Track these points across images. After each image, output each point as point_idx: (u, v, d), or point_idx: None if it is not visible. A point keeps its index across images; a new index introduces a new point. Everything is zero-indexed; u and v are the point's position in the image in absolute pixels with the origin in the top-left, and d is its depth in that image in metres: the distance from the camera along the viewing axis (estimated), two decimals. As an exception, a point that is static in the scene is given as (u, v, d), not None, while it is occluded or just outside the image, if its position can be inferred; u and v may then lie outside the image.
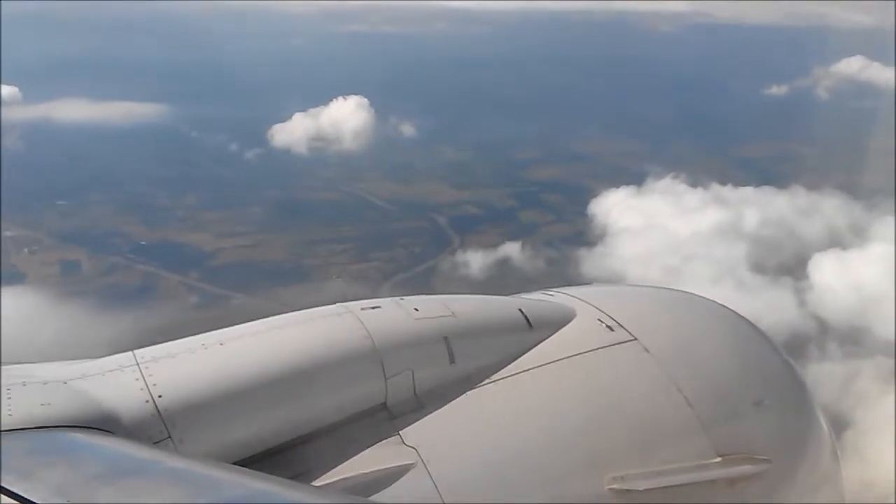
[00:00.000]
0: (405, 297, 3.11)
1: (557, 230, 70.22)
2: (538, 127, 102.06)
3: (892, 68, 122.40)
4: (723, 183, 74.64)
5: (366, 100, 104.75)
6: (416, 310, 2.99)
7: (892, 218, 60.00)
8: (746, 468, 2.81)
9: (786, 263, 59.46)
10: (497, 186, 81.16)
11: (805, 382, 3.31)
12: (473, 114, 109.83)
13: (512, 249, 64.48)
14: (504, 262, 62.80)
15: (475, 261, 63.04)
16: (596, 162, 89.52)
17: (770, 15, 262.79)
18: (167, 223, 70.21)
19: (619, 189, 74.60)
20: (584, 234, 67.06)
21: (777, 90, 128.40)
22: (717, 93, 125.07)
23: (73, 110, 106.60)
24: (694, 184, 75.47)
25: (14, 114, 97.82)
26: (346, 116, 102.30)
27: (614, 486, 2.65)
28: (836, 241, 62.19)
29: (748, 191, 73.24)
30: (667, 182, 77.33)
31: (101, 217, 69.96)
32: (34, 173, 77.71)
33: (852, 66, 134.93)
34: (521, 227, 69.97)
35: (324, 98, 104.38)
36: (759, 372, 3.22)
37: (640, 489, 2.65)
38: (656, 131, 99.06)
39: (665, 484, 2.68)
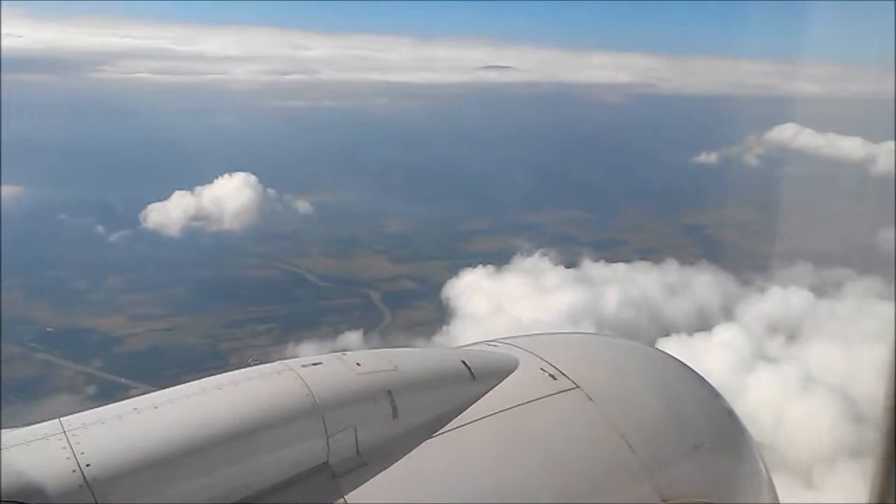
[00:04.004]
0: (347, 352, 3.04)
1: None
2: (483, 198, 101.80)
3: (824, 135, 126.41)
4: (596, 259, 73.09)
5: (253, 177, 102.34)
6: (359, 364, 2.93)
7: (760, 296, 59.99)
8: None
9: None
10: (437, 259, 78.81)
11: (744, 425, 3.32)
12: (405, 186, 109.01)
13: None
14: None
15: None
16: (543, 231, 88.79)
17: (712, 85, 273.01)
18: (80, 307, 66.22)
19: (476, 269, 72.02)
20: (434, 320, 63.72)
21: (706, 158, 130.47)
22: (646, 162, 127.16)
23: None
24: (566, 261, 73.27)
25: None
26: (230, 194, 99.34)
27: None
28: (700, 320, 59.29)
29: (620, 267, 71.09)
30: (533, 260, 75.41)
31: (11, 303, 65.13)
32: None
33: (785, 133, 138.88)
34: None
35: (217, 176, 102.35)
36: (698, 416, 3.27)
37: None
38: (596, 201, 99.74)
39: None
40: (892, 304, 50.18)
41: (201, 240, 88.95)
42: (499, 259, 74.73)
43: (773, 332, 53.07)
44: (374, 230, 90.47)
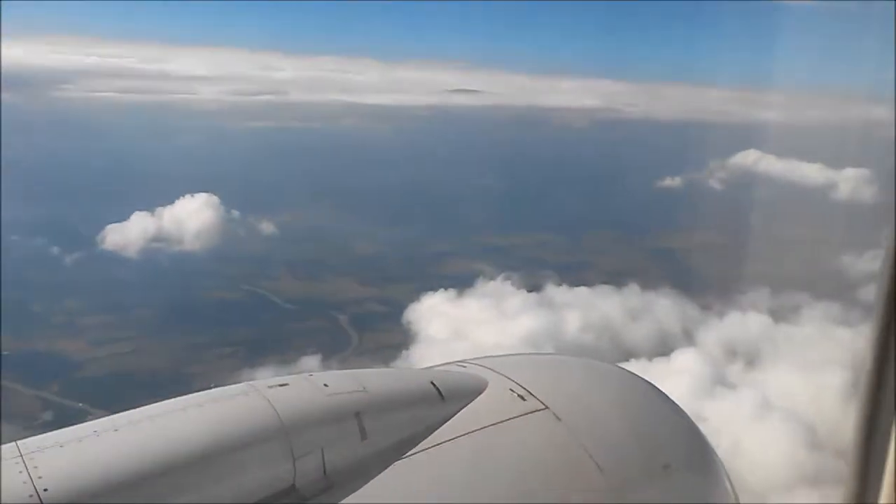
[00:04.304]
0: (314, 373, 2.99)
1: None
2: (452, 220, 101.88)
3: (785, 160, 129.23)
4: (559, 283, 72.81)
5: (215, 197, 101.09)
6: (326, 385, 2.89)
7: (719, 320, 60.26)
8: None
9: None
10: (406, 281, 78.42)
11: (711, 445, 3.34)
12: (374, 208, 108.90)
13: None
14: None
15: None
16: (510, 254, 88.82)
17: (678, 111, 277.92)
18: (37, 330, 64.52)
19: (437, 293, 71.72)
20: (401, 343, 63.12)
21: (671, 182, 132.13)
22: (612, 185, 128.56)
23: None
24: (529, 284, 73.10)
25: None
26: (191, 215, 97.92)
27: None
28: (661, 345, 58.96)
29: (582, 291, 70.93)
30: (496, 284, 75.12)
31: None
32: None
33: (748, 158, 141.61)
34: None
35: (178, 196, 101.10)
36: (667, 436, 3.28)
37: None
38: (563, 224, 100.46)
39: None
40: (849, 329, 50.93)
41: (161, 261, 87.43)
42: (466, 281, 74.67)
43: (731, 356, 53.46)
44: (341, 252, 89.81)
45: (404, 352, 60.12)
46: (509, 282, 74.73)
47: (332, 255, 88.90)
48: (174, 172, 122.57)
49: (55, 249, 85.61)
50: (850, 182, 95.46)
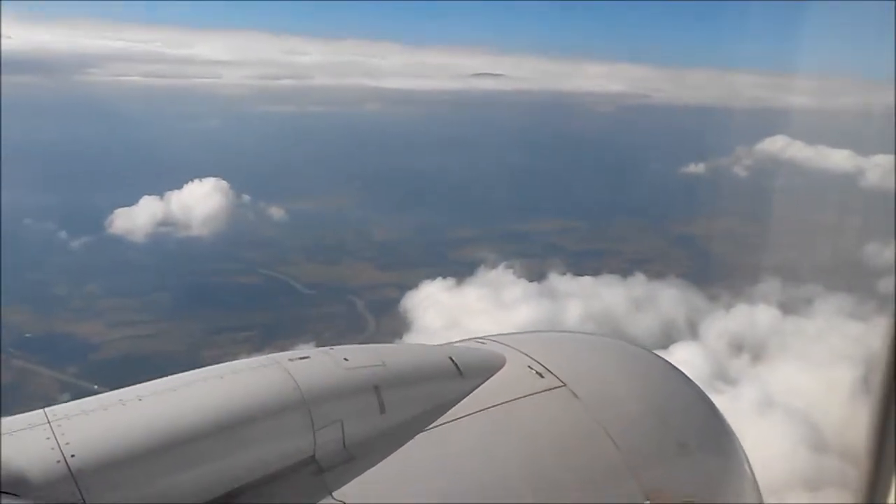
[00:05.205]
0: (334, 347, 3.03)
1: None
2: (473, 206, 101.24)
3: (814, 147, 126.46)
4: (562, 272, 71.30)
5: (224, 182, 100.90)
6: (346, 360, 2.92)
7: (725, 312, 58.51)
8: None
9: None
10: (425, 266, 78.21)
11: (728, 425, 3.34)
12: (394, 193, 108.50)
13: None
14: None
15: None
16: (532, 240, 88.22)
17: (705, 96, 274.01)
18: (59, 312, 65.05)
19: (435, 281, 70.53)
20: (391, 331, 62.48)
21: (695, 168, 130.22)
22: (636, 172, 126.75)
23: None
24: (531, 274, 71.39)
25: None
26: (199, 200, 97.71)
27: None
28: (664, 336, 57.06)
29: (586, 281, 69.19)
30: (497, 273, 73.56)
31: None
32: None
33: (775, 144, 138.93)
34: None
35: (187, 181, 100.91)
36: (685, 416, 3.29)
37: None
38: (587, 211, 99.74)
39: None
40: (862, 322, 49.32)
41: (167, 246, 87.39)
42: (469, 270, 73.91)
43: (736, 350, 51.97)
44: (361, 237, 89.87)
45: (397, 340, 59.83)
46: (511, 270, 73.64)
47: (353, 239, 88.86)
48: (189, 157, 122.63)
49: (63, 234, 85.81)
50: (879, 169, 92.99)
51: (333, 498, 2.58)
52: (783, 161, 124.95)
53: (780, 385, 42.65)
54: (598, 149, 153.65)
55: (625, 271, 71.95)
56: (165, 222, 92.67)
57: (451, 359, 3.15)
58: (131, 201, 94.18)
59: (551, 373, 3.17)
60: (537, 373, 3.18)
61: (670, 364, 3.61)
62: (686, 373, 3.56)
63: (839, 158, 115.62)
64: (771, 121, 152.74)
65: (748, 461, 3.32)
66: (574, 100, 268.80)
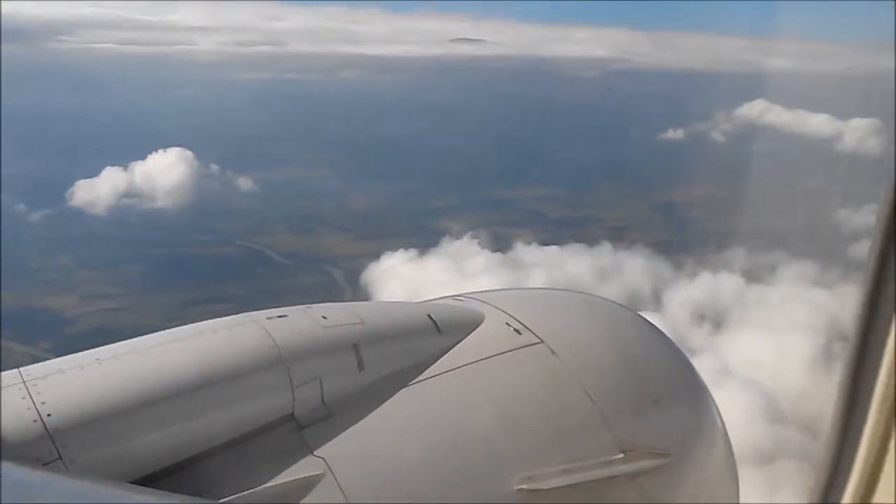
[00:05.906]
0: (312, 305, 3.03)
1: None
2: (453, 174, 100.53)
3: (792, 111, 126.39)
4: (528, 242, 71.03)
5: (189, 152, 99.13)
6: (324, 318, 2.92)
7: (688, 280, 58.22)
8: (646, 462, 2.90)
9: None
10: (405, 236, 77.88)
11: (702, 380, 3.41)
12: (373, 161, 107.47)
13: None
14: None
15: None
16: (515, 208, 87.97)
17: (689, 61, 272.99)
18: (33, 286, 64.17)
19: (397, 252, 70.05)
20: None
21: (673, 134, 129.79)
22: (615, 138, 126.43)
23: None
24: (496, 244, 71.17)
25: None
26: (163, 170, 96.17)
27: (523, 486, 2.70)
28: (629, 305, 57.30)
29: (552, 250, 68.97)
30: (461, 244, 73.16)
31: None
32: None
33: (754, 109, 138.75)
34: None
35: (151, 151, 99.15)
36: (660, 370, 3.35)
37: (547, 488, 2.72)
38: (567, 177, 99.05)
39: (571, 482, 2.77)
40: (826, 290, 49.18)
41: (131, 218, 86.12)
42: (433, 241, 73.33)
43: (699, 320, 51.78)
44: (340, 207, 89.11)
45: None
46: (476, 241, 73.35)
47: (328, 210, 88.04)
48: (159, 127, 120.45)
49: (21, 206, 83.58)
50: (857, 133, 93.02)
51: (313, 454, 2.57)
52: (762, 126, 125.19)
53: (740, 355, 42.28)
54: (579, 115, 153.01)
55: (601, 239, 71.59)
56: (129, 194, 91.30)
57: (429, 316, 3.16)
58: (94, 173, 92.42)
59: (529, 329, 3.19)
60: (515, 329, 3.19)
61: (646, 320, 3.63)
62: (662, 329, 3.60)
63: (818, 122, 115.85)
64: (752, 85, 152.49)
65: (720, 416, 3.36)
66: (557, 65, 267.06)
